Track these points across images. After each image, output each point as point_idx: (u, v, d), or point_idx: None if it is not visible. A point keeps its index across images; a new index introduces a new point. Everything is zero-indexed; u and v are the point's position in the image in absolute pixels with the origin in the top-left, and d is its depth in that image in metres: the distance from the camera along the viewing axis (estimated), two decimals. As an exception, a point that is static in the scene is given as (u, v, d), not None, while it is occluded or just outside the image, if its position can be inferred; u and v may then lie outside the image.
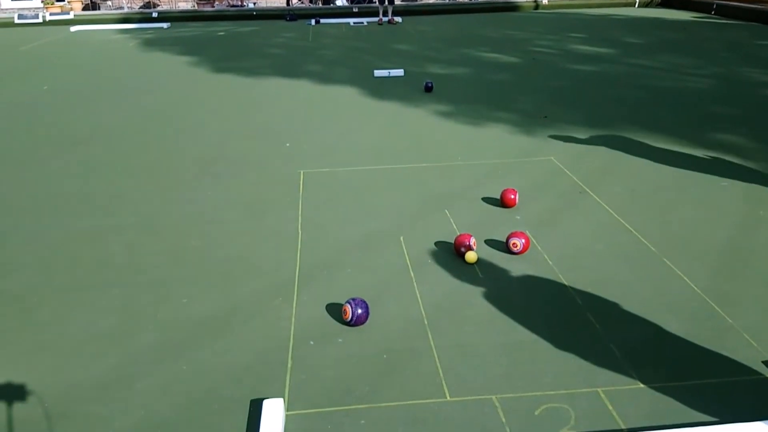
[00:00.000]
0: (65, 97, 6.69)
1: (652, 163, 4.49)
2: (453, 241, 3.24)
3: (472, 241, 3.15)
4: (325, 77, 7.51)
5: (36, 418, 2.19)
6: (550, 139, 5.05)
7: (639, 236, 3.39)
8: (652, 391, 2.25)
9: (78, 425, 2.15)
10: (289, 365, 2.42)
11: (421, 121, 5.63)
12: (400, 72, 7.56)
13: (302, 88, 6.97)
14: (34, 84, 7.33)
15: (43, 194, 4.12)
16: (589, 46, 9.42)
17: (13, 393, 2.31)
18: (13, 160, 4.79)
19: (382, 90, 6.80)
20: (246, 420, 2.15)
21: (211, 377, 2.37)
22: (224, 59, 8.78)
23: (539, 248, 3.28)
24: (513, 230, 3.30)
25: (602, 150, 4.79)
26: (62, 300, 2.90)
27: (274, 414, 2.07)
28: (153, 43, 10.18)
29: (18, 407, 2.24)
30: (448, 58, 8.71)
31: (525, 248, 3.17)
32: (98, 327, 2.70)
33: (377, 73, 7.55)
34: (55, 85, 7.26)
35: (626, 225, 3.52)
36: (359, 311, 2.60)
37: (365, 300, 2.67)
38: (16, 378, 2.38)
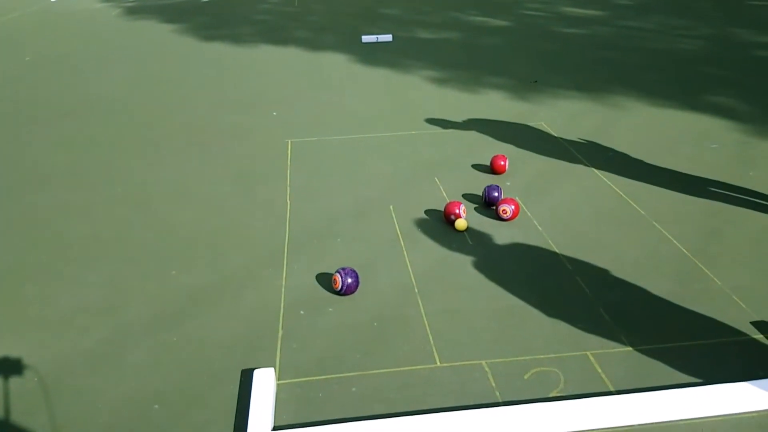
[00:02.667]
0: (48, 69, 6.55)
1: (643, 126, 4.47)
2: (443, 209, 3.22)
3: (462, 208, 3.14)
4: (312, 44, 7.39)
5: (29, 390, 2.19)
6: (540, 104, 5.01)
7: (629, 200, 3.39)
8: (641, 354, 2.27)
9: (71, 397, 2.16)
10: (280, 335, 2.43)
11: (410, 88, 5.56)
12: (388, 37, 7.45)
13: (289, 56, 6.85)
14: (16, 55, 7.17)
15: (27, 168, 4.06)
16: (579, 8, 9.29)
17: (5, 366, 2.30)
18: (-4, 134, 4.71)
19: (370, 56, 6.70)
20: (237, 390, 2.16)
21: (202, 348, 2.37)
22: (210, 27, 8.61)
23: (529, 214, 3.27)
24: (504, 197, 3.29)
25: (593, 114, 4.76)
26: (50, 275, 2.88)
27: (265, 383, 2.07)
28: (136, 11, 9.96)
29: (10, 380, 2.24)
30: (436, 21, 8.58)
31: (515, 215, 3.17)
32: (87, 301, 2.68)
33: (365, 38, 7.43)
34: (38, 56, 7.11)
35: (616, 189, 3.52)
36: (349, 280, 2.59)
37: (355, 269, 2.66)
38: (7, 352, 2.37)
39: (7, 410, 2.11)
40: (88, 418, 2.06)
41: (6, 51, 7.46)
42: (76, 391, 2.18)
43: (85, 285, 2.80)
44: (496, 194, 3.28)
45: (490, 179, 3.67)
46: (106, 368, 2.29)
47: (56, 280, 2.84)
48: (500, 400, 2.07)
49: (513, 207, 3.16)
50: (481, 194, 3.37)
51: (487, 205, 3.30)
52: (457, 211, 3.13)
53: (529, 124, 4.57)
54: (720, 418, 1.98)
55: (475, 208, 3.33)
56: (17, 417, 2.08)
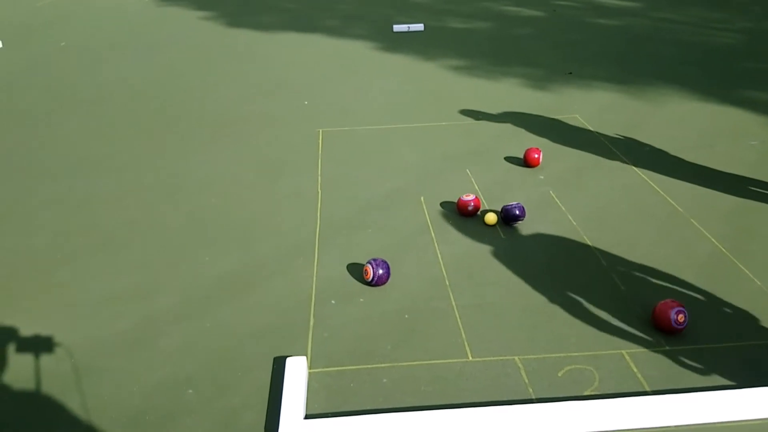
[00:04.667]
0: (82, 54, 6.63)
1: (679, 121, 4.37)
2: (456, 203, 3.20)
3: (470, 202, 3.10)
4: (342, 32, 7.35)
5: (63, 372, 2.23)
6: (574, 96, 4.93)
7: (665, 196, 3.32)
8: (678, 354, 2.22)
9: (105, 379, 2.19)
10: (311, 324, 2.43)
11: (441, 78, 5.51)
12: (420, 26, 7.38)
13: (319, 44, 6.83)
14: (52, 41, 7.27)
15: (62, 155, 4.12)
16: (615, -1, 9.10)
17: (40, 348, 2.35)
18: (31, 120, 4.78)
19: (401, 45, 6.65)
20: (270, 377, 2.17)
21: (234, 335, 2.39)
22: (239, 14, 8.62)
23: (563, 208, 3.22)
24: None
25: (628, 107, 4.67)
26: (83, 260, 2.92)
27: (297, 371, 2.08)
28: (167, -2, 10.02)
29: (46, 361, 2.28)
30: (468, 11, 8.48)
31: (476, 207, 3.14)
32: (120, 286, 2.72)
33: (396, 27, 7.37)
34: (73, 41, 7.19)
35: (652, 184, 3.45)
36: (380, 271, 2.58)
37: (386, 260, 2.65)
38: (43, 334, 2.42)
39: (42, 391, 2.15)
40: (120, 402, 2.09)
41: (43, 36, 7.56)
42: (109, 375, 2.21)
43: (118, 270, 2.83)
44: (517, 212, 3.04)
45: (523, 172, 3.62)
46: (139, 353, 2.32)
47: (90, 264, 2.88)
48: (533, 397, 2.05)
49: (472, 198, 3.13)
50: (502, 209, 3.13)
51: (506, 220, 3.09)
52: (470, 208, 3.09)
53: (563, 116, 4.50)
54: (757, 422, 1.93)
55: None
56: (52, 398, 2.12)
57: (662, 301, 2.34)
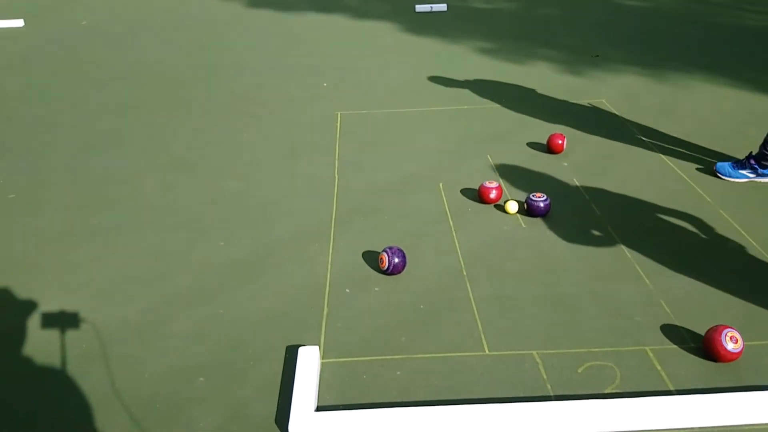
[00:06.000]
0: (102, 33, 6.61)
1: (709, 106, 4.21)
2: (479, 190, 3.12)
3: (493, 189, 3.01)
4: (363, 12, 7.23)
5: (76, 355, 2.21)
6: (601, 79, 4.78)
7: (693, 185, 3.20)
8: (705, 352, 2.13)
9: (116, 364, 2.17)
10: (325, 312, 2.38)
11: (463, 60, 5.38)
12: (443, 7, 7.23)
13: (339, 25, 6.73)
14: (73, 19, 7.26)
15: (79, 133, 4.10)
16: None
17: (52, 331, 2.33)
18: (50, 98, 4.77)
19: (423, 26, 6.52)
20: (282, 366, 2.13)
21: (247, 322, 2.35)
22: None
23: (587, 197, 3.12)
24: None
25: (656, 91, 4.51)
26: (98, 240, 2.90)
27: (309, 362, 2.04)
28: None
29: (57, 344, 2.27)
30: (492, -8, 8.28)
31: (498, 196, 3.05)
32: (134, 268, 2.69)
33: (419, 8, 7.23)
34: (93, 20, 7.18)
35: (680, 173, 3.33)
36: (396, 260, 2.52)
37: (402, 249, 2.58)
38: (54, 317, 2.40)
39: (53, 375, 2.13)
40: (131, 388, 2.06)
41: (63, 15, 7.55)
42: (120, 360, 2.19)
43: (131, 252, 2.81)
44: (542, 205, 2.92)
45: (546, 158, 3.52)
46: (151, 337, 2.29)
47: (105, 245, 2.86)
48: (552, 394, 1.98)
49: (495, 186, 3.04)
50: (526, 200, 3.01)
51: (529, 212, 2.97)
52: (492, 196, 3.01)
53: (589, 100, 4.36)
54: (789, 427, 1.84)
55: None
56: (63, 382, 2.10)
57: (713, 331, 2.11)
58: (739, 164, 3.19)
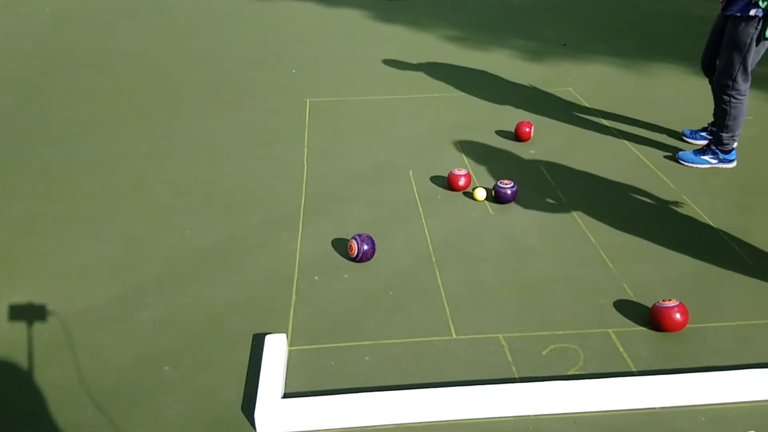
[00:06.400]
0: (68, 20, 6.46)
1: (675, 96, 4.29)
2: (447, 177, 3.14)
3: (462, 177, 3.03)
4: (333, 0, 7.19)
5: (41, 344, 2.18)
6: (569, 68, 4.83)
7: (657, 171, 3.26)
8: (667, 333, 2.18)
9: (82, 353, 2.14)
10: (293, 300, 2.38)
11: (434, 48, 5.39)
12: (413, -5, 7.21)
13: (310, 12, 6.67)
14: (36, 6, 7.08)
15: (46, 121, 4.01)
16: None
17: (17, 320, 2.29)
18: (14, 87, 4.65)
19: (394, 14, 6.50)
20: (249, 354, 2.12)
21: (215, 309, 2.34)
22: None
23: (553, 184, 3.16)
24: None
25: (624, 81, 4.58)
26: (66, 229, 2.85)
27: (276, 349, 2.04)
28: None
29: (22, 334, 2.23)
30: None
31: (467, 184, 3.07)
32: (102, 256, 2.65)
33: (390, -4, 7.20)
34: (58, 6, 7.00)
35: (645, 160, 3.39)
36: (365, 247, 2.53)
37: (371, 236, 2.59)
38: (21, 306, 2.36)
39: (17, 365, 2.10)
40: (97, 378, 2.04)
41: (26, 2, 7.36)
42: (87, 349, 2.16)
43: (100, 240, 2.77)
44: (509, 192, 2.94)
45: (514, 146, 3.55)
46: (117, 326, 2.26)
47: (71, 234, 2.81)
48: (516, 376, 2.01)
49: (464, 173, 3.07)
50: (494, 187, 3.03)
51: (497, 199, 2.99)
52: (461, 183, 3.03)
53: (556, 89, 4.41)
54: (747, 405, 1.90)
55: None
56: (27, 372, 2.07)
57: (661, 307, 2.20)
58: (701, 151, 3.26)
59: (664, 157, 3.42)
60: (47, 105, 4.27)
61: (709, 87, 3.38)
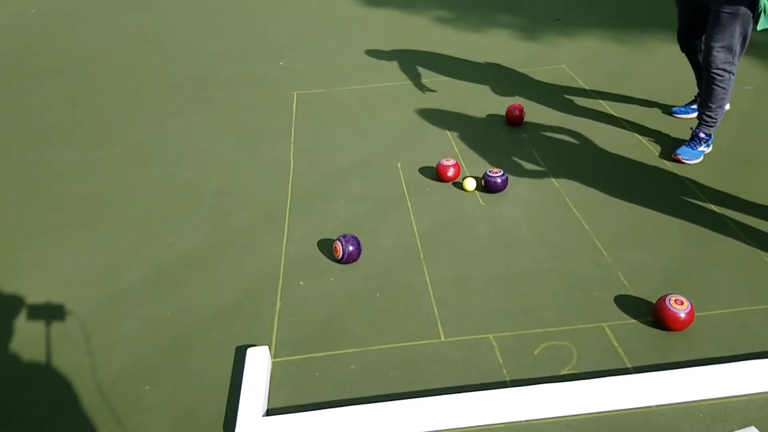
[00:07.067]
0: (54, 21, 6.35)
1: (671, 70, 4.14)
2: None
3: (450, 167, 2.94)
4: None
5: (21, 364, 2.13)
6: (561, 45, 4.69)
7: (654, 151, 3.15)
8: (657, 323, 2.10)
9: (62, 372, 2.09)
10: (278, 307, 2.31)
11: (422, 32, 5.25)
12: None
13: (295, 1, 6.52)
14: (21, 7, 6.97)
15: (26, 125, 3.94)
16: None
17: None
18: (-3, 92, 4.58)
19: (383, -3, 6.35)
20: (231, 367, 2.06)
21: (198, 319, 2.28)
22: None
23: (546, 169, 3.06)
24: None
25: (618, 55, 4.44)
26: (47, 240, 2.80)
27: (258, 363, 1.97)
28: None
29: (5, 351, 2.18)
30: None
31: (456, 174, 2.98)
32: (84, 267, 2.60)
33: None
34: (44, 7, 6.90)
35: (641, 139, 3.28)
36: (350, 248, 2.45)
37: (357, 236, 2.51)
38: (2, 322, 2.31)
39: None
40: (77, 398, 1.99)
41: (11, 3, 7.25)
42: (67, 368, 2.11)
43: (83, 250, 2.71)
44: (499, 180, 2.86)
45: (506, 130, 3.45)
46: (100, 341, 2.21)
47: (53, 245, 2.76)
48: (507, 379, 1.94)
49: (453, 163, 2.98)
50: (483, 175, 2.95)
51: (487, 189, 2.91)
52: (449, 174, 2.94)
53: (549, 67, 4.28)
54: (747, 398, 1.82)
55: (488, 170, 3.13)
56: (7, 393, 2.02)
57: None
58: (692, 142, 3.06)
59: (657, 138, 3.29)
60: (29, 109, 4.20)
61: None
